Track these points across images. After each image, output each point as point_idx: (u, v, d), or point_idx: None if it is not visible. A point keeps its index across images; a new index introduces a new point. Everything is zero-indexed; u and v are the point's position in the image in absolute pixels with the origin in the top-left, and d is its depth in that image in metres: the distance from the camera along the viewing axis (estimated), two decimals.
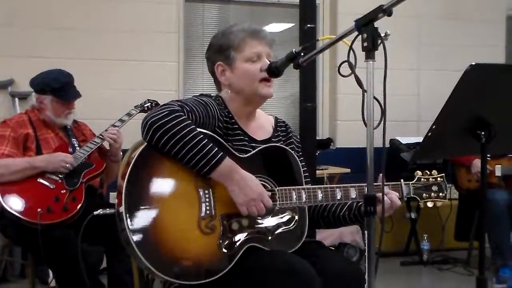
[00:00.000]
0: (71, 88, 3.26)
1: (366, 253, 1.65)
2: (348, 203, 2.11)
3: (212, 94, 2.13)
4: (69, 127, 3.31)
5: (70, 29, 4.80)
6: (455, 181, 4.70)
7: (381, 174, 1.78)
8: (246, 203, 1.86)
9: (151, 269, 1.74)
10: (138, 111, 3.47)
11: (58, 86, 3.19)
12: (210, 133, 1.94)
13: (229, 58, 2.08)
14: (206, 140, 1.84)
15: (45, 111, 3.22)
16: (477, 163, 4.38)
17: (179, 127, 1.81)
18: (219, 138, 1.97)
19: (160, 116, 1.82)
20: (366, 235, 1.64)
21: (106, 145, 3.36)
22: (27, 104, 3.89)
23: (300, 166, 2.10)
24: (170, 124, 1.81)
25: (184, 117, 1.85)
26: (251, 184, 1.87)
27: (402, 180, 2.12)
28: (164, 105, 1.89)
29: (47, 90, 3.19)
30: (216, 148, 1.85)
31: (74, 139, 3.30)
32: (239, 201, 1.86)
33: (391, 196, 2.02)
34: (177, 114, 1.84)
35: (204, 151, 1.82)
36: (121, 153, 3.31)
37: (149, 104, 3.53)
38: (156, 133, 1.80)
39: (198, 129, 1.86)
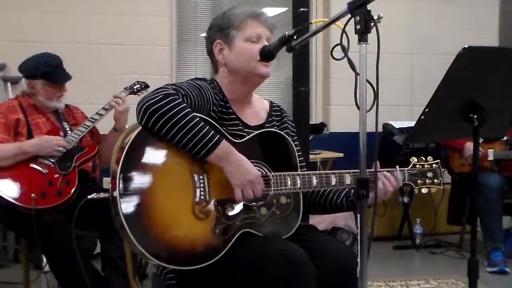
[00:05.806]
0: (61, 70, 3.23)
1: (358, 237, 1.65)
2: (346, 190, 2.10)
3: (207, 78, 2.12)
4: (60, 111, 3.29)
5: (61, 13, 4.76)
6: (448, 165, 4.70)
7: (376, 161, 1.78)
8: (242, 184, 1.85)
9: (144, 254, 1.74)
10: (128, 93, 3.38)
11: (48, 70, 3.16)
12: (205, 117, 1.93)
13: (229, 36, 2.06)
14: (203, 123, 1.83)
15: (37, 96, 3.19)
16: (469, 146, 4.39)
17: (175, 110, 1.80)
18: (214, 123, 1.96)
19: (155, 99, 1.81)
20: (358, 219, 1.65)
21: (98, 127, 3.33)
22: (19, 89, 3.86)
23: (295, 151, 2.09)
24: (166, 108, 1.80)
25: (180, 100, 1.84)
26: (247, 167, 1.87)
27: (397, 166, 2.10)
28: (158, 88, 1.87)
29: (38, 74, 3.16)
30: (213, 131, 1.84)
31: (66, 123, 3.28)
32: (236, 182, 1.85)
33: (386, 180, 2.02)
34: (172, 97, 1.82)
35: (201, 134, 1.81)
36: (126, 124, 3.22)
37: (138, 86, 3.46)
38: (152, 116, 1.79)
39: (194, 113, 1.85)
